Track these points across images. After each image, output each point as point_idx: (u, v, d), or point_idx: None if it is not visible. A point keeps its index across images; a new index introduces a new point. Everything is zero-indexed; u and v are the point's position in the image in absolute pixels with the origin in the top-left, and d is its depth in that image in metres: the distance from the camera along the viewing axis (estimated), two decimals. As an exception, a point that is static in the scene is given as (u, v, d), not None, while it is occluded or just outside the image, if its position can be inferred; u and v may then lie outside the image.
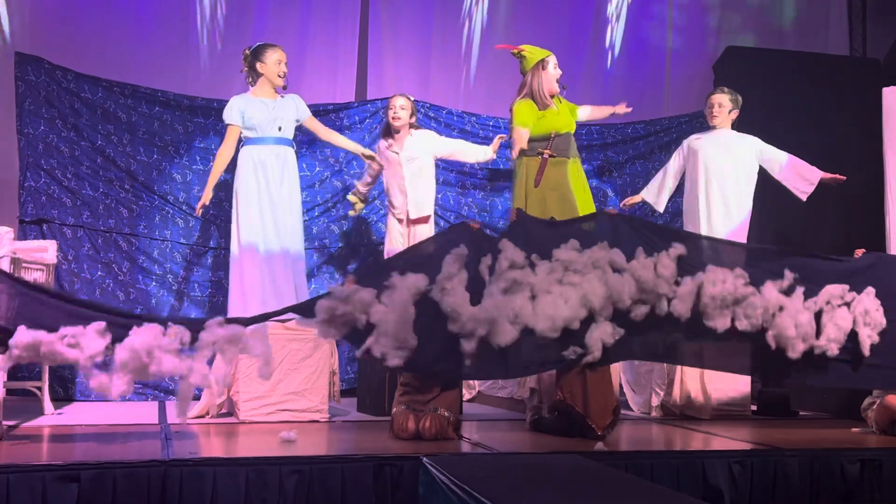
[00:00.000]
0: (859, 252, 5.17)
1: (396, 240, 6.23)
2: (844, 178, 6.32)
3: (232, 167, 5.87)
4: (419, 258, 4.49)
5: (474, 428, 5.14)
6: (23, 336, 3.83)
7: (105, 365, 3.98)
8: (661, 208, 6.71)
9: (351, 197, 6.55)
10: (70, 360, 3.90)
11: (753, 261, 4.85)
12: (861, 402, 5.35)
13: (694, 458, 4.25)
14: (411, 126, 6.29)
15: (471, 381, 6.54)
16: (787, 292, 4.75)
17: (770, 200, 6.78)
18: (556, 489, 3.08)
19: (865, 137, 7.02)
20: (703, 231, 6.20)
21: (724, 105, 6.37)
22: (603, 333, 4.45)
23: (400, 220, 6.23)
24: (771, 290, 4.70)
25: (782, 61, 8.02)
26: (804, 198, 6.39)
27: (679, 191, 6.68)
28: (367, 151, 6.05)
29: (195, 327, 4.08)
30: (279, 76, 5.80)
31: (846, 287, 4.84)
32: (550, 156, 5.80)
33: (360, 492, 3.77)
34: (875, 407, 5.16)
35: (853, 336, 4.82)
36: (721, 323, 4.62)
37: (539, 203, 5.71)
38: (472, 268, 4.40)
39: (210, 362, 4.12)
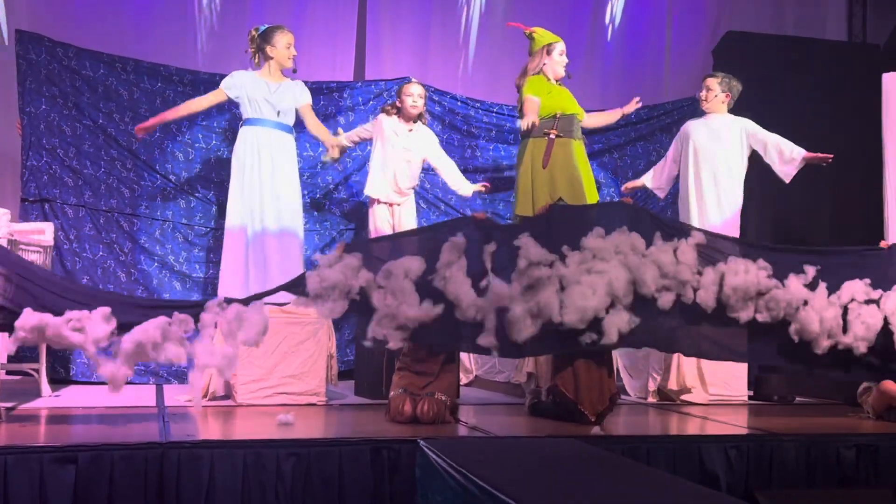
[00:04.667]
0: (885, 244, 5.08)
1: (383, 221, 6.22)
2: (832, 156, 6.16)
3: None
4: (417, 244, 4.44)
5: (471, 412, 5.15)
6: (29, 318, 3.80)
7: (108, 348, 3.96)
8: (662, 194, 6.67)
9: (336, 141, 6.08)
10: (75, 344, 3.86)
11: (773, 256, 4.68)
12: (857, 388, 5.36)
13: (690, 443, 4.26)
14: (419, 117, 6.32)
15: (468, 366, 6.55)
16: (811, 287, 4.61)
17: (767, 188, 6.77)
18: (552, 473, 3.09)
19: (864, 123, 7.00)
20: (694, 218, 6.20)
21: (712, 89, 6.33)
22: (620, 321, 4.33)
23: (377, 201, 6.23)
24: (796, 283, 4.56)
25: (782, 46, 7.99)
26: (787, 179, 6.29)
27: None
28: (336, 141, 6.02)
29: (195, 311, 4.08)
30: (289, 59, 5.87)
31: (867, 281, 4.69)
32: (557, 136, 5.81)
33: (358, 475, 3.78)
34: (872, 392, 5.17)
35: (884, 334, 4.61)
36: (743, 315, 4.50)
37: (547, 184, 5.74)
38: (472, 255, 4.35)
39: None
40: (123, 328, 3.92)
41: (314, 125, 6.03)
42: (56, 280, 4.32)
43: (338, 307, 4.19)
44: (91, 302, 3.99)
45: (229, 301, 4.15)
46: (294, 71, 5.95)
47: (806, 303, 4.56)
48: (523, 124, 5.82)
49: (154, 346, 3.88)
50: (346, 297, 4.18)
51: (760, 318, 4.53)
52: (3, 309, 3.91)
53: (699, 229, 4.80)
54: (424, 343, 4.42)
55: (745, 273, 4.50)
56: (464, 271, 4.28)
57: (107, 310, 3.92)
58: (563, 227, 4.58)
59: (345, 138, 6.26)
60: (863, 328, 4.59)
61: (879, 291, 4.69)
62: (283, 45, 5.85)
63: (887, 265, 4.90)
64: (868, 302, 4.66)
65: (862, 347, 4.60)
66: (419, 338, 4.27)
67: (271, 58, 5.86)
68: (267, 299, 4.32)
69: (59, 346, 3.93)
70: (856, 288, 4.68)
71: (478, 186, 6.52)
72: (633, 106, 6.55)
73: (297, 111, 5.95)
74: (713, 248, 4.63)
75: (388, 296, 4.18)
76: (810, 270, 4.63)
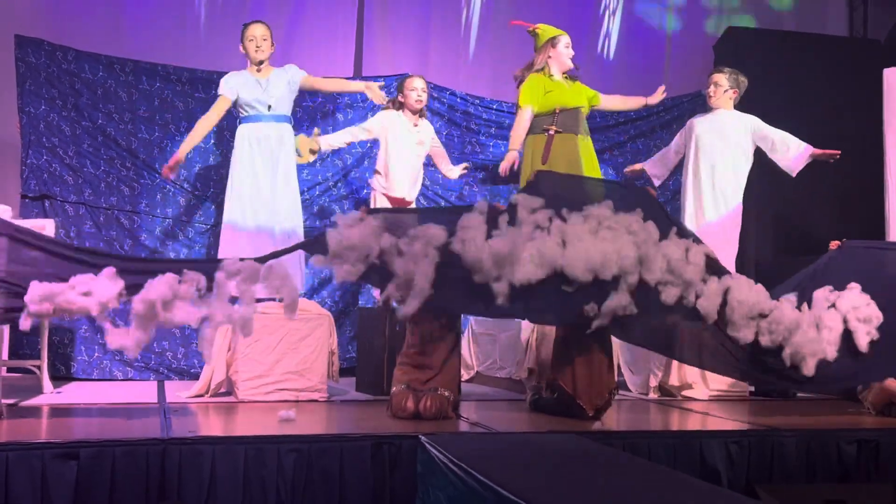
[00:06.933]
0: (834, 244, 5.13)
1: None
2: (839, 152, 6.14)
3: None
4: (438, 218, 4.37)
5: (473, 408, 5.15)
6: (36, 289, 3.77)
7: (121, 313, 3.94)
8: (658, 181, 6.65)
9: (303, 143, 5.95)
10: (84, 308, 3.81)
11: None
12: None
13: (691, 438, 4.26)
14: (421, 111, 6.28)
15: (469, 362, 6.55)
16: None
17: (768, 185, 6.77)
18: (553, 468, 3.09)
19: (865, 119, 7.00)
20: (690, 213, 6.22)
21: (720, 85, 6.32)
22: (618, 304, 4.24)
23: (390, 199, 6.13)
24: (788, 306, 4.57)
25: (783, 42, 8.00)
26: (794, 174, 6.28)
27: (680, 169, 6.67)
28: (371, 84, 6.00)
29: (209, 270, 4.01)
30: (254, 51, 5.78)
31: (829, 287, 4.77)
32: (556, 131, 5.82)
33: (359, 470, 3.78)
34: (872, 388, 5.17)
35: (846, 335, 4.70)
36: (745, 334, 4.46)
37: None
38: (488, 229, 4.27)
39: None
40: (132, 289, 3.88)
41: (326, 83, 6.04)
42: (60, 245, 4.26)
43: (356, 270, 4.11)
44: (98, 263, 3.97)
45: (244, 261, 4.09)
46: (260, 62, 5.77)
47: (798, 325, 4.56)
48: (510, 144, 5.94)
49: (165, 304, 3.84)
50: (365, 261, 4.11)
51: (763, 341, 4.49)
52: (5, 282, 3.86)
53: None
54: (438, 307, 4.35)
55: (749, 289, 4.47)
56: (484, 235, 4.20)
57: (112, 269, 3.89)
58: (561, 192, 4.56)
59: (322, 141, 6.05)
60: (826, 333, 4.63)
61: (836, 293, 4.76)
62: (246, 39, 5.81)
63: (843, 266, 4.95)
64: (831, 307, 4.74)
65: (831, 352, 4.63)
66: (433, 301, 4.18)
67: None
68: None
69: (69, 313, 3.87)
70: (821, 296, 4.75)
71: (460, 169, 6.59)
72: (658, 96, 6.55)
73: (302, 91, 5.92)
74: (717, 263, 4.58)
75: (408, 262, 4.11)
76: (791, 298, 4.66)
